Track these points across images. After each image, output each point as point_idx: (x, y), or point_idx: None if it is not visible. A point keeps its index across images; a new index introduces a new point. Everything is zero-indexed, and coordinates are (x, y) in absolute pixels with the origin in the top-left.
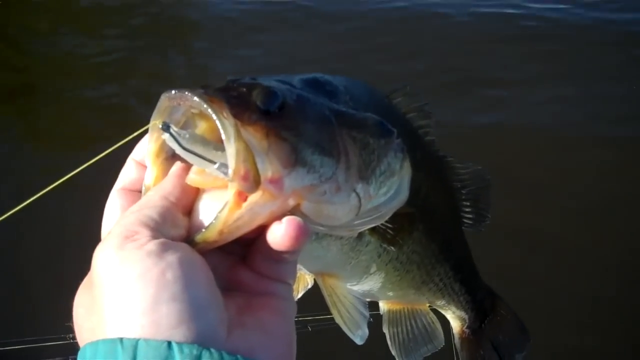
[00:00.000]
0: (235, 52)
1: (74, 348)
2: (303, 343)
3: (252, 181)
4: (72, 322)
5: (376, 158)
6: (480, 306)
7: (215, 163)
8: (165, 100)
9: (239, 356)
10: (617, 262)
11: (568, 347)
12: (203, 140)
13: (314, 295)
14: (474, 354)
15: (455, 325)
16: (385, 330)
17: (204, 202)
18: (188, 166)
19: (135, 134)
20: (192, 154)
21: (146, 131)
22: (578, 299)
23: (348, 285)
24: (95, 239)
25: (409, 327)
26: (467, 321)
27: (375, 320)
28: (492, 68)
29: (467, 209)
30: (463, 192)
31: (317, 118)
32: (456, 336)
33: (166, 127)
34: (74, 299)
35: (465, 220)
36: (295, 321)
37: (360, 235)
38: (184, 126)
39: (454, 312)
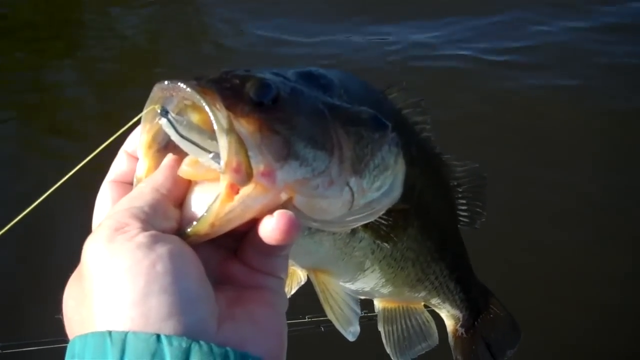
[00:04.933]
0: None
1: None
2: (316, 343)
3: (244, 174)
4: (62, 315)
5: (370, 152)
6: (474, 305)
7: (210, 152)
8: (158, 91)
9: (228, 348)
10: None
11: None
12: (199, 129)
13: None
14: (467, 352)
15: (449, 323)
16: (380, 328)
17: (196, 195)
18: (180, 158)
19: (127, 126)
20: (188, 142)
21: (137, 123)
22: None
23: (341, 282)
24: (87, 233)
25: (404, 326)
26: (461, 320)
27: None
28: None
29: (462, 207)
30: (459, 189)
31: (311, 111)
32: (450, 335)
33: (165, 113)
34: (63, 291)
35: (461, 218)
36: (309, 321)
37: (354, 231)
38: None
39: (448, 311)
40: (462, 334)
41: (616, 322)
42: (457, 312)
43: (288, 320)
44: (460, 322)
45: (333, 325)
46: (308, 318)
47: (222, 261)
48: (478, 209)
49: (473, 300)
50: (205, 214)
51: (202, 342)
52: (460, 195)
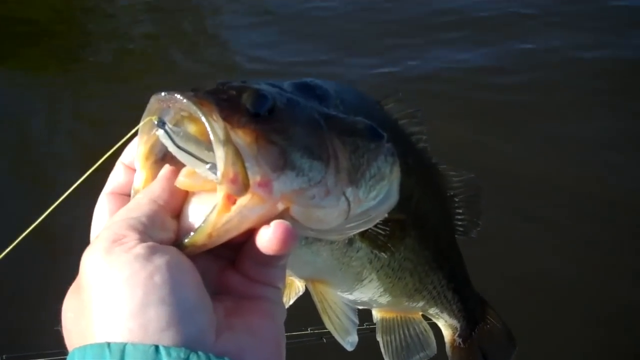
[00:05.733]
0: None
1: None
2: (318, 355)
3: (241, 184)
4: (61, 327)
5: (366, 162)
6: (472, 315)
7: (207, 163)
8: (155, 102)
9: (226, 359)
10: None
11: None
12: (196, 140)
13: None
14: None
15: (447, 333)
16: (378, 338)
17: (193, 205)
18: (177, 169)
19: (124, 139)
20: (185, 153)
21: (135, 135)
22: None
23: (339, 292)
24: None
25: (402, 335)
26: (458, 330)
27: None
28: None
29: (459, 217)
30: (455, 199)
31: (307, 122)
32: (447, 344)
33: (162, 124)
34: (62, 303)
35: (457, 228)
36: (311, 333)
37: (351, 240)
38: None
39: (446, 321)
40: (459, 344)
41: (616, 326)
42: (454, 322)
43: (290, 332)
44: (458, 332)
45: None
46: (310, 330)
47: (220, 271)
48: (474, 219)
49: (470, 311)
50: (202, 224)
51: (200, 353)
52: (456, 205)
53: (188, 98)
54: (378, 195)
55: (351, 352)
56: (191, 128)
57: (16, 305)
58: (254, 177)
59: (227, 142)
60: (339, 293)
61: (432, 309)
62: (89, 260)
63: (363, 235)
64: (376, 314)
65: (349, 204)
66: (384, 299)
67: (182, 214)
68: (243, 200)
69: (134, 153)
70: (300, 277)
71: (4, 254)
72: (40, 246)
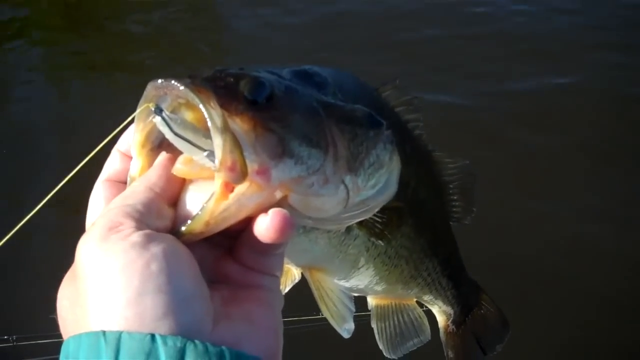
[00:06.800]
0: None
1: None
2: (328, 339)
3: (239, 172)
4: (56, 315)
5: (365, 150)
6: (465, 301)
7: (204, 150)
8: (152, 89)
9: (224, 348)
10: None
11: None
12: (194, 127)
13: None
14: (458, 347)
15: (441, 319)
16: (373, 324)
17: (190, 193)
18: (174, 157)
19: (120, 126)
20: (183, 140)
21: (131, 122)
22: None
23: (336, 280)
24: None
25: (397, 322)
26: (452, 316)
27: None
28: None
29: (453, 203)
30: (450, 186)
31: (305, 109)
32: (441, 330)
33: (159, 111)
34: (57, 291)
35: (451, 215)
36: (322, 317)
37: (349, 228)
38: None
39: (440, 307)
40: (453, 329)
41: (613, 319)
42: (448, 308)
43: (301, 317)
44: (452, 318)
45: None
46: (321, 314)
47: (217, 260)
48: (468, 206)
49: (464, 297)
50: (199, 212)
51: (197, 342)
52: (451, 192)
53: (185, 85)
54: (377, 184)
55: (359, 337)
56: (188, 115)
57: (27, 285)
58: (252, 165)
59: (225, 129)
60: (335, 280)
61: (427, 295)
62: (84, 248)
63: (360, 223)
64: (371, 301)
65: (347, 192)
66: (380, 286)
67: (179, 202)
68: (241, 188)
69: (130, 140)
70: (297, 264)
71: (5, 239)
72: (48, 228)
